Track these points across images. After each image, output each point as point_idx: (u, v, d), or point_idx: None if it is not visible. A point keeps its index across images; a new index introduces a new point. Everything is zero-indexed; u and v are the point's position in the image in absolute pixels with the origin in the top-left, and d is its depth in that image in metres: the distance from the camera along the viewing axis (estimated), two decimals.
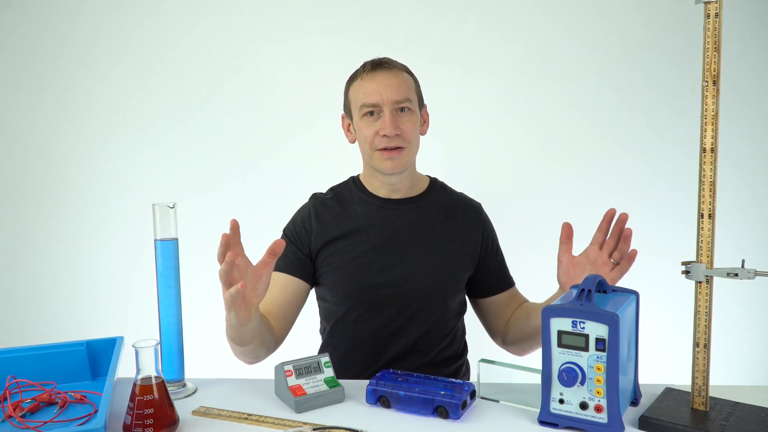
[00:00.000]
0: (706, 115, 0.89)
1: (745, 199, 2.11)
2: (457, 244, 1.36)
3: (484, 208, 1.45)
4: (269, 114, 2.21)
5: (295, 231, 1.38)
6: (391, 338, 1.33)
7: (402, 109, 1.29)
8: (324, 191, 1.44)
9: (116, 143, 2.24)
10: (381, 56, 1.34)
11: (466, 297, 1.45)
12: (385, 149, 1.29)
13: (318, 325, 1.47)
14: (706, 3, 0.87)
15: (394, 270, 1.32)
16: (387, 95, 1.27)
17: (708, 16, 0.87)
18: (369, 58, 1.35)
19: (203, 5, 2.18)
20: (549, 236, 2.16)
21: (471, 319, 1.48)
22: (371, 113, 1.30)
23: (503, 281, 1.44)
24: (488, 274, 1.42)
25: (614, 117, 2.14)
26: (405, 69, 1.35)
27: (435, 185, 1.43)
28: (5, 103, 2.24)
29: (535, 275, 1.50)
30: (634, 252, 1.19)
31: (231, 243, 1.01)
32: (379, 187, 1.37)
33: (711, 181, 0.89)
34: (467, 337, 1.49)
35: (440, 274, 1.33)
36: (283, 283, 1.33)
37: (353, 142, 1.38)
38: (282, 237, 1.39)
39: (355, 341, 1.35)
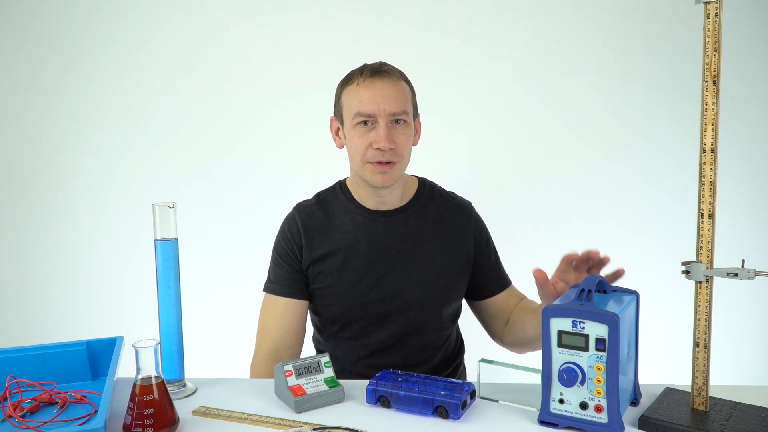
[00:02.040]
0: (706, 115, 0.89)
1: (745, 199, 2.11)
2: (448, 253, 1.33)
3: (475, 206, 1.42)
4: (270, 114, 2.21)
5: (287, 248, 1.33)
6: (386, 353, 1.32)
7: (397, 121, 1.24)
8: (309, 197, 1.39)
9: (116, 143, 2.25)
10: (379, 60, 1.29)
11: (463, 299, 1.43)
12: (377, 163, 1.24)
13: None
14: (706, 3, 0.87)
15: (385, 287, 1.29)
16: (384, 106, 1.22)
17: (708, 16, 0.87)
18: (366, 60, 1.30)
19: (203, 7, 2.18)
20: (549, 236, 2.18)
21: (471, 318, 1.48)
22: (365, 123, 1.24)
23: (499, 282, 1.40)
24: (483, 276, 1.38)
25: (614, 117, 2.14)
26: (403, 77, 1.29)
27: (423, 189, 1.38)
28: (6, 104, 2.25)
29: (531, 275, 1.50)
30: (622, 270, 1.10)
31: None
32: (366, 198, 1.32)
33: (711, 181, 0.89)
34: (465, 336, 1.49)
35: (432, 288, 1.31)
36: (291, 308, 1.32)
37: (341, 147, 1.33)
38: (274, 256, 1.36)
39: (351, 357, 1.34)
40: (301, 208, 1.36)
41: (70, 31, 2.21)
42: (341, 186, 1.38)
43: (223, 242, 2.24)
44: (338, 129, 1.32)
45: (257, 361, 1.32)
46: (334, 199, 1.36)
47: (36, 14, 2.21)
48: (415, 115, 1.32)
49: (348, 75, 1.29)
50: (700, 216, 0.90)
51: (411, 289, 1.30)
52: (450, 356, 1.41)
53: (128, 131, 2.24)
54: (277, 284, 1.34)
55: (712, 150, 0.89)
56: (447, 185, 1.45)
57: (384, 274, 1.30)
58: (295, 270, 1.33)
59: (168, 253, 1.09)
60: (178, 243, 1.10)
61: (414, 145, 1.33)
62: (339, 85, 1.31)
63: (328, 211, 1.34)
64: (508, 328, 1.38)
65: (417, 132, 1.34)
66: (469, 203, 1.41)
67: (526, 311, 1.34)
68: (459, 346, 1.45)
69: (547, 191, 2.18)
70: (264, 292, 1.36)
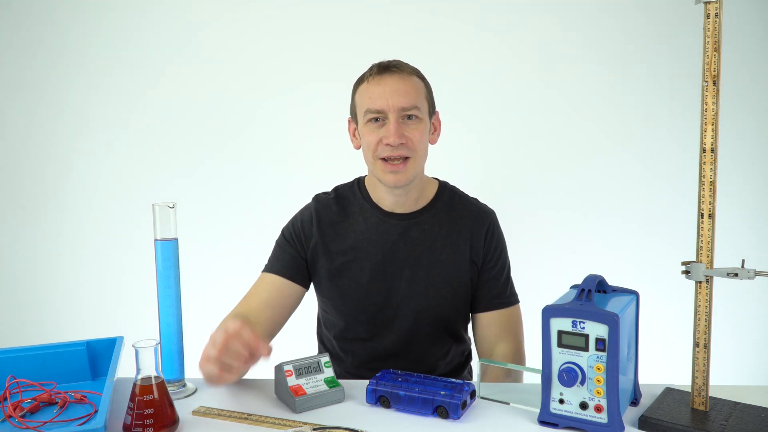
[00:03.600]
0: (706, 115, 0.89)
1: (745, 199, 2.11)
2: (460, 262, 1.29)
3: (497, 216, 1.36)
4: (270, 114, 2.21)
5: (295, 233, 1.32)
6: (390, 358, 1.30)
7: (409, 117, 1.21)
8: (327, 191, 1.37)
9: (116, 143, 2.25)
10: (391, 58, 1.27)
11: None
12: (388, 160, 1.21)
13: (314, 326, 1.46)
14: (706, 3, 0.87)
15: (393, 291, 1.28)
16: (393, 101, 1.19)
17: (708, 16, 0.87)
18: (377, 59, 1.28)
19: (205, 6, 2.18)
20: (549, 236, 2.18)
21: None
22: (376, 119, 1.22)
23: (494, 300, 1.32)
24: (484, 289, 1.31)
25: (614, 117, 2.14)
26: (416, 73, 1.26)
27: (443, 193, 1.34)
28: (5, 103, 2.25)
29: (534, 275, 1.49)
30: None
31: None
32: (382, 198, 1.30)
33: (711, 181, 0.89)
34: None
35: (440, 296, 1.28)
36: (279, 286, 1.29)
37: (358, 147, 1.30)
38: (280, 238, 1.35)
39: (355, 360, 1.33)
40: (319, 201, 1.35)
41: (68, 30, 2.21)
42: (359, 183, 1.35)
43: (223, 242, 2.24)
44: (354, 129, 1.30)
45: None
46: (352, 195, 1.34)
47: (33, 13, 2.21)
48: (432, 112, 1.29)
49: (361, 75, 1.28)
50: (700, 216, 0.90)
51: (418, 296, 1.27)
52: (457, 366, 1.38)
53: (128, 131, 2.24)
54: (273, 263, 1.32)
55: (712, 150, 0.89)
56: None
57: (392, 277, 1.28)
58: (296, 252, 1.31)
59: (168, 253, 1.09)
60: (178, 243, 1.10)
61: (432, 143, 1.30)
62: (353, 86, 1.30)
63: (345, 207, 1.33)
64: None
65: (436, 129, 1.31)
66: (491, 212, 1.36)
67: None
68: (465, 359, 1.42)
69: (546, 192, 2.18)
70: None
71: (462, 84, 2.15)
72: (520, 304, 1.35)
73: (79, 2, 2.20)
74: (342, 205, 1.33)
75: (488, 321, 1.32)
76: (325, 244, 1.30)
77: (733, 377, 2.12)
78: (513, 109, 2.17)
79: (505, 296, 1.33)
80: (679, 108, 2.06)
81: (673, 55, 2.06)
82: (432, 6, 2.14)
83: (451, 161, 2.12)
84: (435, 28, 2.14)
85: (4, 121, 2.26)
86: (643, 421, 0.92)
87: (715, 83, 0.88)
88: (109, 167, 2.26)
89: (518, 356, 1.32)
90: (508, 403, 1.01)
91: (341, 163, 1.54)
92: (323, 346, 1.42)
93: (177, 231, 1.09)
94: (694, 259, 0.91)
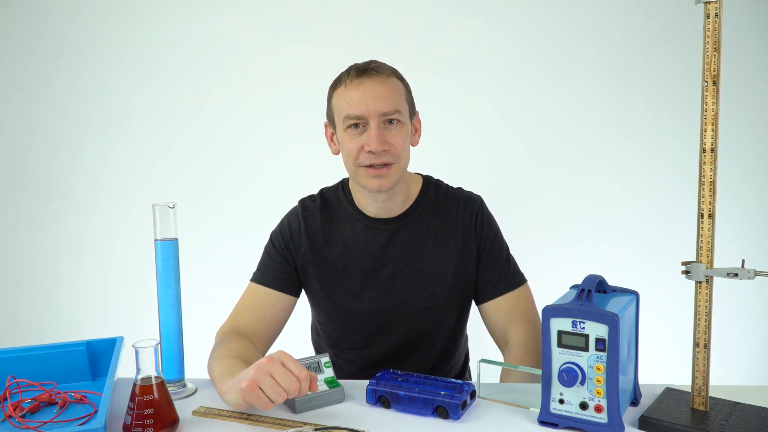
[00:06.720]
0: (706, 115, 0.89)
1: (745, 199, 2.12)
2: (455, 258, 1.26)
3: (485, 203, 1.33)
4: (270, 114, 2.21)
5: (284, 241, 1.29)
6: (388, 365, 1.28)
7: (390, 121, 1.17)
8: (313, 194, 1.34)
9: (116, 143, 2.25)
10: (368, 59, 1.22)
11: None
12: (371, 166, 1.17)
13: (308, 327, 1.46)
14: (706, 3, 0.87)
15: (386, 297, 1.26)
16: (374, 106, 1.14)
17: (708, 16, 0.87)
18: (374, 58, 1.24)
19: (202, 8, 2.19)
20: (549, 236, 2.18)
21: (472, 323, 1.47)
22: (356, 125, 1.16)
23: (498, 285, 1.27)
24: (482, 277, 1.28)
25: (614, 117, 2.14)
26: (395, 74, 1.21)
27: (428, 189, 1.30)
28: (5, 103, 2.25)
29: (534, 275, 1.49)
30: None
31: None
32: (366, 204, 1.26)
33: (711, 181, 0.89)
34: (470, 337, 1.47)
35: (434, 298, 1.25)
36: (272, 299, 1.26)
37: (337, 153, 1.25)
38: (268, 245, 1.32)
39: (352, 367, 1.33)
40: (306, 207, 1.31)
41: (72, 34, 2.21)
42: (343, 187, 1.32)
43: (223, 242, 2.24)
44: (332, 134, 1.26)
45: (217, 335, 1.23)
46: (337, 201, 1.31)
47: (36, 14, 2.21)
48: (412, 113, 1.25)
49: (337, 77, 1.22)
50: (700, 216, 0.90)
51: (413, 300, 1.26)
52: (460, 370, 1.38)
53: (128, 131, 2.24)
54: (264, 274, 1.28)
55: (712, 150, 0.89)
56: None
57: (385, 284, 1.26)
58: (286, 261, 1.28)
59: (168, 253, 1.09)
60: (178, 243, 1.10)
61: (414, 145, 1.26)
62: (329, 88, 1.24)
63: (331, 213, 1.30)
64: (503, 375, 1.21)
65: (417, 131, 1.27)
66: (478, 199, 1.32)
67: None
68: (464, 360, 1.41)
69: (546, 191, 2.18)
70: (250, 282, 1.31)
71: (463, 83, 2.15)
72: (528, 283, 1.31)
73: (79, 3, 2.20)
74: (328, 212, 1.30)
75: (495, 309, 1.28)
76: (314, 252, 1.27)
77: (733, 377, 2.12)
78: (512, 109, 2.17)
79: (508, 278, 1.28)
80: (679, 108, 2.06)
81: (673, 55, 2.06)
82: (431, 3, 2.14)
83: (451, 161, 2.13)
84: (437, 23, 2.14)
85: (4, 120, 2.26)
86: (643, 421, 0.92)
87: (715, 83, 0.88)
88: (109, 167, 2.26)
89: (535, 338, 1.24)
90: (508, 404, 1.01)
91: (340, 162, 1.54)
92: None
93: (177, 231, 1.09)
94: (694, 259, 0.91)
